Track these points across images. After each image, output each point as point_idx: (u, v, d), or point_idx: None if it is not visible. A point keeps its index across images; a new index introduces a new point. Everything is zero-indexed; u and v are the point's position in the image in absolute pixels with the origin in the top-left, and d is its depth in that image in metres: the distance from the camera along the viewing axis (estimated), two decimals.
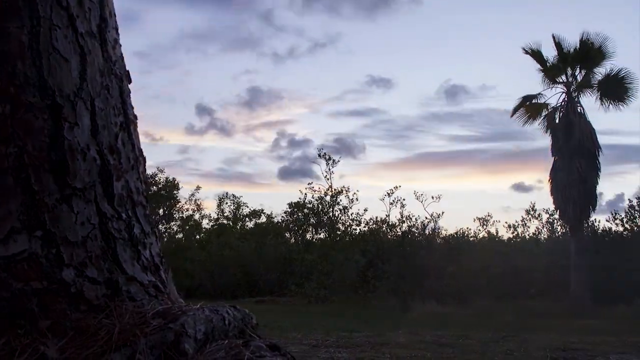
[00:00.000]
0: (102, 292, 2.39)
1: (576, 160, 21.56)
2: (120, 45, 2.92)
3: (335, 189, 28.96)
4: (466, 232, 27.91)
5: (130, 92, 2.92)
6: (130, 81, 2.94)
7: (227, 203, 33.91)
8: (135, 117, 2.90)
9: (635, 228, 25.88)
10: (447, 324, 14.39)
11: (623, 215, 25.94)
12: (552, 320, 16.86)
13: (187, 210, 33.48)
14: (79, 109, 2.46)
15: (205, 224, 34.21)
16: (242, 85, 56.79)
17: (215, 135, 51.72)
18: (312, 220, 29.59)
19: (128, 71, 2.94)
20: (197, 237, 32.73)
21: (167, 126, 56.56)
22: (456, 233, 27.84)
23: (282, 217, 31.30)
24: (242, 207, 33.97)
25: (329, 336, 8.76)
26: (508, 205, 57.08)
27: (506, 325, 13.70)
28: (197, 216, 33.87)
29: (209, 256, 26.71)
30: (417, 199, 27.66)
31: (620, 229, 26.21)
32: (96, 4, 2.68)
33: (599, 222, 26.78)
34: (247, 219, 33.86)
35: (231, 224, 33.34)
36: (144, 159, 2.92)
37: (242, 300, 23.79)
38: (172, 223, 33.45)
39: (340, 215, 28.89)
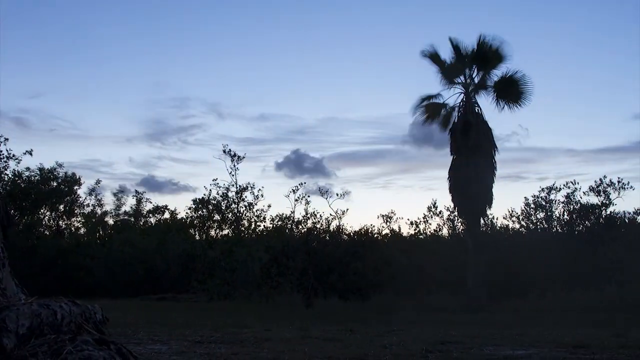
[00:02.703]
0: None
1: (473, 159, 22.14)
2: None
3: (240, 186, 28.93)
4: (370, 229, 28.20)
5: None
6: None
7: (125, 197, 33.27)
8: None
9: (531, 225, 26.92)
10: (346, 319, 14.57)
11: (519, 213, 26.95)
12: (447, 315, 17.35)
13: (89, 206, 32.62)
14: None
15: (108, 219, 33.43)
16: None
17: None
18: (216, 216, 29.44)
19: None
20: (100, 233, 31.91)
21: None
22: (360, 230, 28.13)
23: (186, 213, 30.99)
24: (143, 203, 33.39)
25: (216, 332, 8.74)
26: (415, 202, 58.30)
27: (402, 320, 14.00)
28: (99, 212, 33.05)
29: (109, 253, 26.07)
30: (322, 195, 28.00)
31: (517, 226, 27.26)
32: None
33: (497, 219, 27.75)
34: (150, 215, 33.31)
35: (133, 220, 32.67)
36: None
37: (144, 298, 23.43)
38: (74, 219, 32.51)
39: (245, 211, 28.87)
